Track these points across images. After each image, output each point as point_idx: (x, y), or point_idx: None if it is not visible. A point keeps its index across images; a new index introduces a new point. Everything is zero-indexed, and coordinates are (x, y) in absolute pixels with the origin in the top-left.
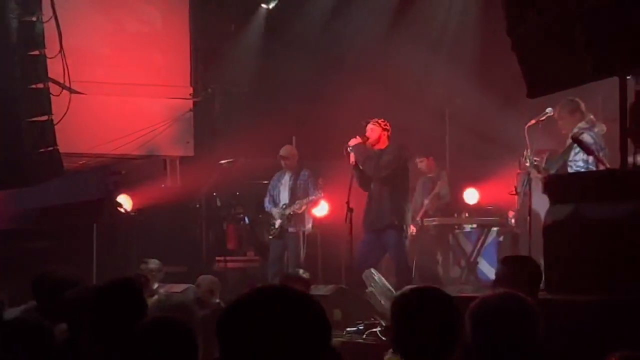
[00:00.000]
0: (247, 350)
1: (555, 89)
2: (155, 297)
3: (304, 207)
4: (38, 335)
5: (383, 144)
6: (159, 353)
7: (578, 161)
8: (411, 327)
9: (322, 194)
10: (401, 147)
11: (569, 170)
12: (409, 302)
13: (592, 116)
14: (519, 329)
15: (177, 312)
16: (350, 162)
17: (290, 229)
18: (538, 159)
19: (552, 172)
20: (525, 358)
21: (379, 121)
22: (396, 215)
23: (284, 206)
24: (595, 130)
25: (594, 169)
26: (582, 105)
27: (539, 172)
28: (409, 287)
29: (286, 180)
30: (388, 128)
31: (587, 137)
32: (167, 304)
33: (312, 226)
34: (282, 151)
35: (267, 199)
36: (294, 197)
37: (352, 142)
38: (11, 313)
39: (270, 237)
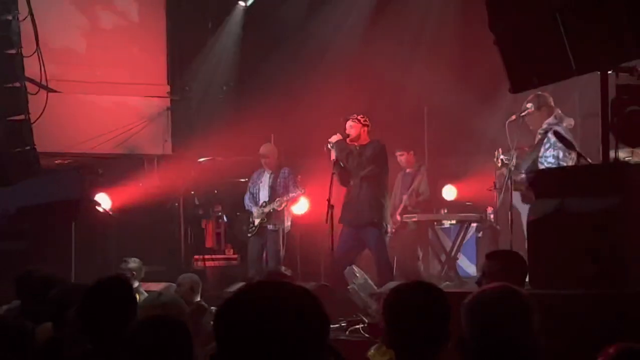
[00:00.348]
0: (245, 345)
1: (537, 84)
2: (136, 295)
3: (283, 205)
4: (17, 335)
5: (364, 140)
6: (156, 352)
7: (548, 157)
8: (405, 323)
9: (302, 192)
10: (382, 144)
11: (540, 166)
12: (401, 297)
13: (559, 111)
14: (517, 323)
15: (168, 310)
16: (331, 159)
17: (270, 227)
18: (507, 157)
19: (523, 171)
20: (522, 351)
21: (358, 117)
22: (376, 212)
23: (264, 204)
24: (564, 124)
25: (565, 164)
26: (550, 100)
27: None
28: (400, 282)
29: (266, 179)
30: (367, 123)
31: (558, 135)
32: (157, 302)
33: (292, 224)
34: (262, 149)
35: (247, 197)
36: (274, 195)
37: (333, 138)
38: None
39: (249, 234)
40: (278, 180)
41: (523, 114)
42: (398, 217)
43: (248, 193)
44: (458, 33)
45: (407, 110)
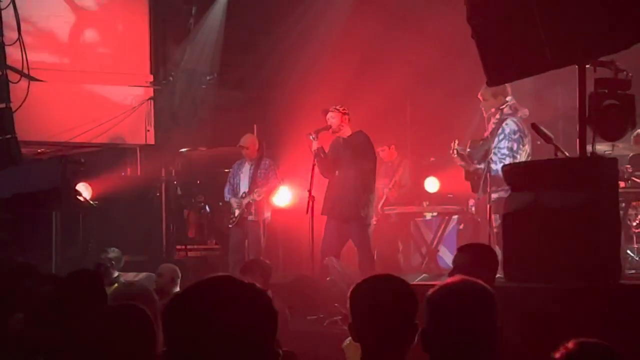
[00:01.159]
0: (192, 342)
1: (515, 77)
2: (115, 285)
3: (262, 195)
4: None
5: (346, 130)
6: (117, 339)
7: (502, 148)
8: (369, 317)
9: (281, 183)
10: (366, 135)
11: (494, 157)
12: (367, 291)
13: (514, 101)
14: (477, 315)
15: (137, 300)
16: (312, 149)
17: (250, 218)
18: (461, 148)
19: (477, 160)
20: (483, 344)
21: (338, 107)
22: (361, 204)
23: (244, 195)
24: (519, 115)
25: (519, 157)
26: (508, 89)
27: (464, 160)
28: (366, 276)
29: (246, 169)
30: (347, 112)
31: (511, 124)
32: (127, 292)
33: (271, 214)
34: (242, 141)
35: (226, 188)
36: (253, 185)
37: (313, 145)
38: None
39: (230, 225)
40: (259, 171)
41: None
42: (379, 210)
43: (228, 184)
44: (441, 26)
45: (390, 102)
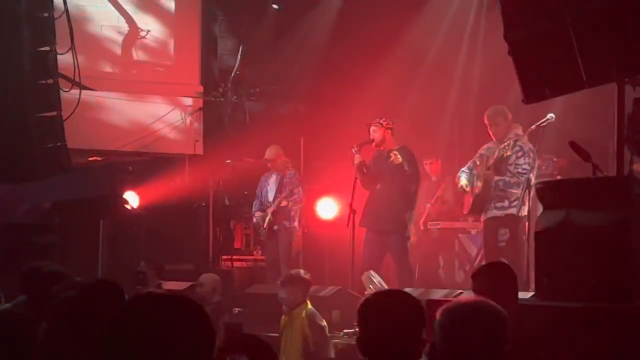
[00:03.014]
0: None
1: (552, 95)
2: None
3: (283, 203)
4: (20, 329)
5: (389, 143)
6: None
7: (523, 164)
8: (377, 332)
9: (300, 193)
10: (411, 151)
11: (513, 171)
12: (375, 306)
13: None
14: (488, 336)
15: None
16: (355, 163)
17: (277, 227)
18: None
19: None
20: None
21: (381, 121)
22: (401, 219)
23: (269, 204)
24: (526, 138)
25: (533, 176)
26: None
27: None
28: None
29: (273, 180)
30: (391, 126)
31: (528, 143)
32: None
33: (314, 225)
34: (267, 154)
35: (255, 203)
36: (279, 194)
37: (356, 159)
38: (3, 307)
39: (262, 238)
40: (284, 181)
41: (543, 124)
42: (422, 225)
43: (256, 199)
44: (491, 38)
45: (439, 114)
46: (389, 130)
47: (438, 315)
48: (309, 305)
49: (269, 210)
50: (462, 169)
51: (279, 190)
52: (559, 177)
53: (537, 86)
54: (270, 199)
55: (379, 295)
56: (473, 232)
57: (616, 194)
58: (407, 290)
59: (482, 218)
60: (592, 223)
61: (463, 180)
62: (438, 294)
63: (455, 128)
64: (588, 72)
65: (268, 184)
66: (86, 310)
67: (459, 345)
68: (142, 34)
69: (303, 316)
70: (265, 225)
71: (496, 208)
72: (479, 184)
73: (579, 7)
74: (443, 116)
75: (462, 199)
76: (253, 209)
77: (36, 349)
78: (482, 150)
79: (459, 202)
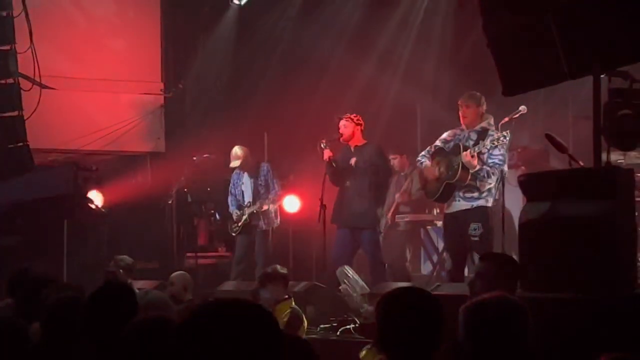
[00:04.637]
0: None
1: (530, 88)
2: None
3: (265, 206)
4: (12, 334)
5: (358, 139)
6: (149, 351)
7: (497, 155)
8: (397, 327)
9: (280, 190)
10: (381, 146)
11: (487, 162)
12: (395, 302)
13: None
14: (513, 331)
15: (155, 309)
16: (324, 158)
17: (260, 225)
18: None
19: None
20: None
21: (352, 116)
22: (373, 214)
23: (248, 204)
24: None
25: (505, 167)
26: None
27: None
28: (394, 286)
29: (247, 179)
30: (361, 123)
31: (506, 135)
32: (145, 301)
33: (280, 221)
34: (233, 154)
35: (230, 199)
36: (257, 194)
37: (325, 155)
38: None
39: (233, 234)
40: (259, 178)
41: (516, 116)
42: (389, 217)
43: (230, 195)
44: (452, 32)
45: (400, 109)
46: (359, 127)
47: (461, 313)
48: (293, 304)
49: (247, 211)
50: (422, 153)
51: (256, 191)
52: (523, 168)
53: (517, 79)
54: (247, 197)
55: (398, 291)
56: (440, 224)
57: (601, 184)
58: (382, 286)
59: (445, 209)
60: (577, 214)
61: (426, 163)
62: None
63: (418, 123)
64: (568, 64)
65: (242, 182)
66: (95, 312)
67: (484, 343)
68: (102, 31)
69: (287, 313)
70: (240, 224)
71: (464, 199)
72: (442, 169)
73: (558, 1)
74: (405, 111)
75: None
76: (229, 205)
77: (28, 351)
78: (447, 137)
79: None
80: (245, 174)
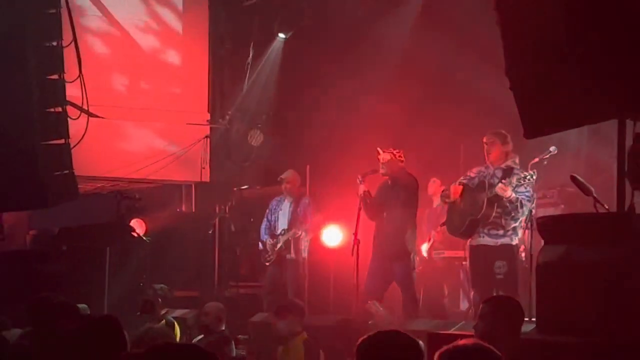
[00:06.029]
0: None
1: (552, 130)
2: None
3: (299, 234)
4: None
5: (397, 174)
6: None
7: (524, 192)
8: None
9: (321, 221)
10: (415, 179)
11: (516, 196)
12: (373, 346)
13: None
14: None
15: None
16: (359, 193)
17: (289, 256)
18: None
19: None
20: None
21: (394, 152)
22: (405, 246)
23: (282, 232)
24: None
25: (533, 206)
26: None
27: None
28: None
29: (286, 207)
30: (402, 159)
31: (533, 174)
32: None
33: (310, 252)
34: (285, 174)
35: (263, 225)
36: (293, 223)
37: (360, 189)
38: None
39: (267, 263)
40: (298, 208)
41: (546, 156)
42: (424, 253)
43: (265, 221)
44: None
45: (445, 143)
46: (400, 163)
47: (436, 358)
48: (306, 335)
49: (282, 239)
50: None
51: (292, 219)
52: (562, 207)
53: (538, 121)
54: (281, 226)
55: (378, 335)
56: None
57: (615, 229)
58: (412, 322)
59: (470, 242)
60: (591, 259)
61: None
62: (440, 327)
63: (461, 154)
64: (590, 109)
65: (280, 210)
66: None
67: None
68: (151, 61)
69: (301, 345)
70: (274, 253)
71: (489, 236)
72: (467, 205)
73: (582, 47)
74: (449, 143)
75: None
76: (262, 232)
77: None
78: (472, 173)
79: None
80: (286, 201)
